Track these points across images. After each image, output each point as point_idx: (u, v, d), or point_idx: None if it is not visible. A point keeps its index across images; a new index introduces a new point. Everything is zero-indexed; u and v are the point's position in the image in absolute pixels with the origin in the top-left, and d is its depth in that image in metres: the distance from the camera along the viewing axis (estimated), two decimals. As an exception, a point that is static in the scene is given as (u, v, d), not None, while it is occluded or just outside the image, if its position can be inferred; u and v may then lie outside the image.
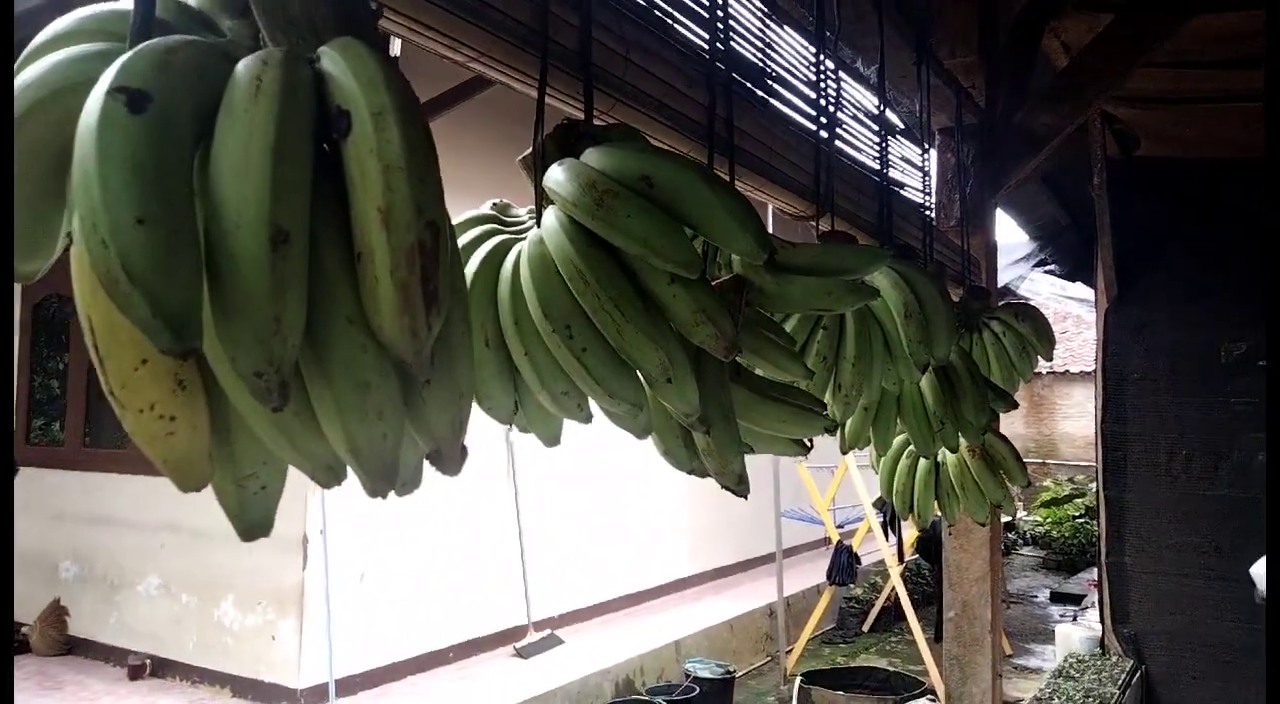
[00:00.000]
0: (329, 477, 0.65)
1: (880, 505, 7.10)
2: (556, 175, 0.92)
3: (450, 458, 0.68)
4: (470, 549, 5.87)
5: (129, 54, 0.53)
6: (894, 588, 7.21)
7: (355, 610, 5.17)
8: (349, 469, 0.66)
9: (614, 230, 0.88)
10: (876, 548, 7.54)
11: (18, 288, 6.35)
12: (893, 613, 8.24)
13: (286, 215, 0.53)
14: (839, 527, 7.74)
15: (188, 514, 5.36)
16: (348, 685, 5.07)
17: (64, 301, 6.33)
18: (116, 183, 0.48)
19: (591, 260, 0.89)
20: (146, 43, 0.54)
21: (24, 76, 0.61)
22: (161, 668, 5.43)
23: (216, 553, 5.24)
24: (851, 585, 7.87)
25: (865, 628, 8.34)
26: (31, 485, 6.25)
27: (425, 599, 5.60)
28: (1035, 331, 2.48)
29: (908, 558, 7.83)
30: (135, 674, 5.36)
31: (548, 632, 6.20)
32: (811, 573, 8.56)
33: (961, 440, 2.09)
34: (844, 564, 7.25)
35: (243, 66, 0.56)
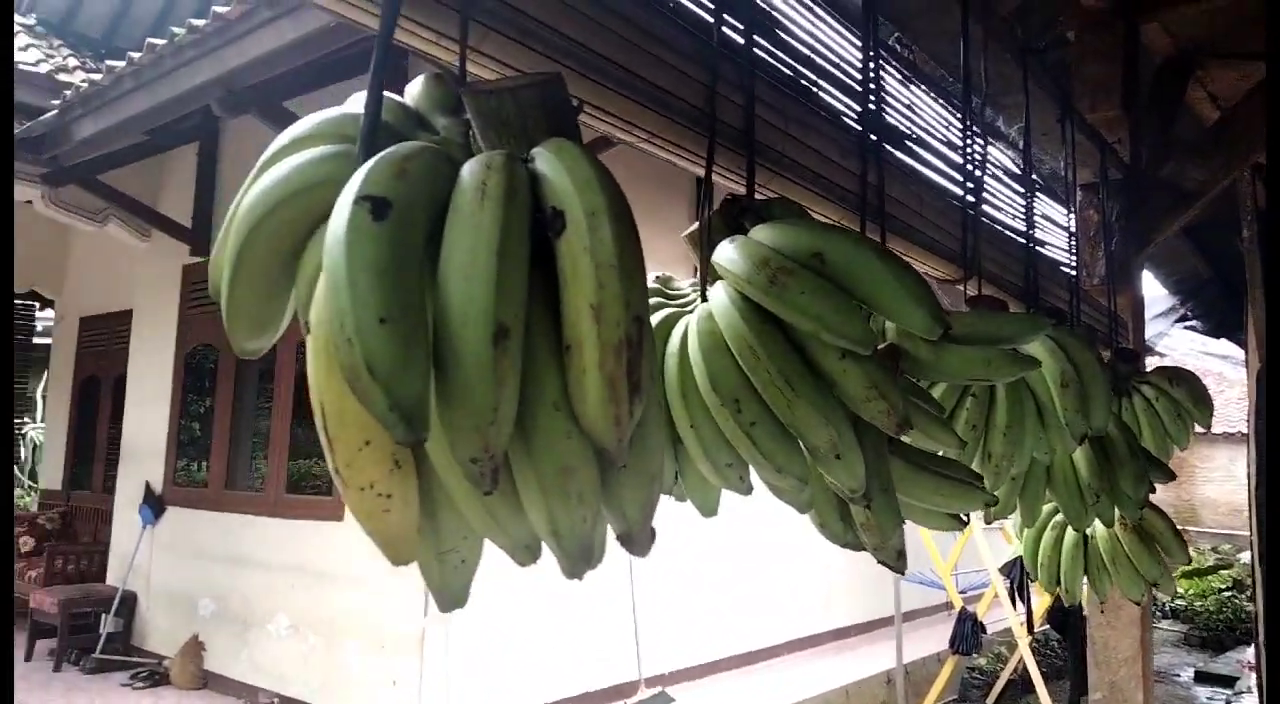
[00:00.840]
0: (526, 555, 0.67)
1: (1008, 571, 6.75)
2: (728, 253, 0.93)
3: (640, 539, 0.69)
4: (585, 603, 5.88)
5: (371, 163, 0.57)
6: (1021, 660, 6.81)
7: (473, 659, 5.23)
8: (543, 548, 0.68)
9: (787, 307, 0.88)
10: (1003, 616, 7.16)
11: (171, 338, 6.82)
12: (1019, 686, 7.77)
13: (508, 312, 0.56)
14: (961, 592, 7.39)
15: (316, 556, 5.57)
16: (463, 734, 5.11)
17: (210, 351, 6.75)
18: (363, 285, 0.52)
19: (763, 336, 0.90)
20: (385, 152, 0.58)
21: (266, 177, 0.66)
22: (287, 707, 5.60)
23: (342, 595, 5.41)
24: (976, 655, 7.48)
25: (990, 701, 7.89)
26: (176, 524, 6.62)
27: (541, 651, 5.62)
28: (1191, 396, 2.35)
29: (1037, 629, 7.40)
30: (264, 712, 5.55)
31: (659, 689, 6.11)
32: (932, 640, 8.18)
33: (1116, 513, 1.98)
34: (968, 632, 6.89)
35: (468, 171, 0.59)
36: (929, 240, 1.60)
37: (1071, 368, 1.59)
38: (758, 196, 1.13)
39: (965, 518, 1.32)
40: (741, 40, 1.12)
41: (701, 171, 1.04)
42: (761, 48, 1.27)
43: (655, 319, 1.02)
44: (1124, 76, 2.84)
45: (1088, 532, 2.19)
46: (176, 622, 6.35)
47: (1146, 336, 6.68)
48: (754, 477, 1.04)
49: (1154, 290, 6.30)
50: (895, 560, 1.19)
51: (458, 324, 0.55)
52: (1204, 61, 3.35)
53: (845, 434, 0.94)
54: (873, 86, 1.32)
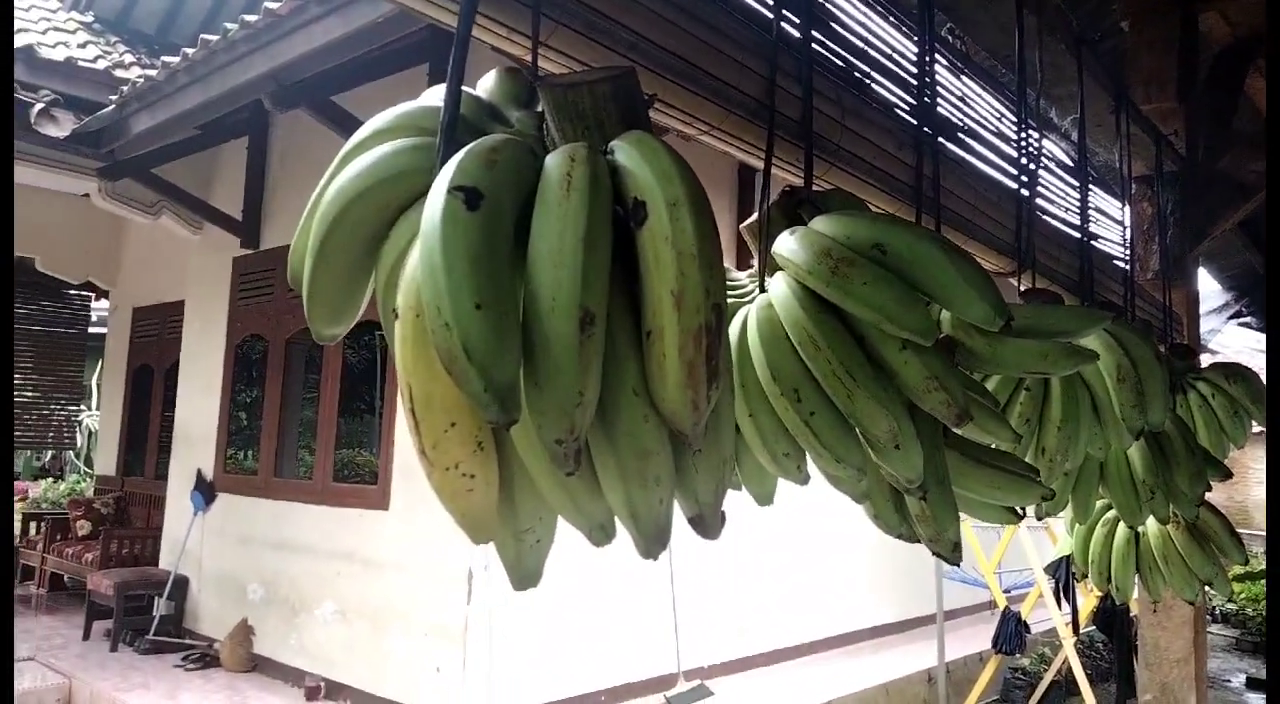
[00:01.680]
0: (601, 536, 0.69)
1: (1053, 571, 6.66)
2: (789, 244, 0.94)
3: (711, 522, 0.71)
4: (626, 595, 5.92)
5: (461, 154, 0.59)
6: (1066, 661, 6.72)
7: (516, 647, 5.29)
8: (618, 528, 0.70)
9: (849, 298, 0.89)
10: (1047, 617, 7.07)
11: (222, 329, 6.98)
12: (1063, 688, 7.67)
13: (593, 299, 0.58)
14: (1005, 591, 7.31)
15: (362, 544, 5.67)
16: (505, 721, 5.18)
17: (259, 341, 6.89)
18: (460, 272, 0.54)
19: (824, 327, 0.91)
20: (474, 144, 0.61)
21: (350, 169, 0.69)
22: (334, 691, 5.71)
23: (387, 583, 5.50)
24: (1019, 655, 7.39)
25: (1032, 702, 7.79)
26: (226, 510, 6.77)
27: (581, 642, 5.67)
28: (1249, 393, 2.31)
29: (1082, 630, 7.29)
30: (311, 695, 5.66)
31: (698, 682, 6.12)
32: (974, 639, 8.10)
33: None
34: (1011, 632, 6.81)
35: (553, 162, 0.61)
36: (983, 233, 1.60)
37: (1129, 362, 1.58)
38: (815, 188, 1.14)
39: (1021, 511, 1.32)
40: (799, 34, 1.12)
41: (758, 162, 1.05)
42: (818, 41, 1.28)
43: (716, 309, 1.04)
44: (1180, 66, 2.78)
45: (1140, 529, 2.17)
46: (226, 605, 6.50)
47: (1201, 333, 6.56)
48: (810, 466, 1.05)
49: (1208, 286, 6.17)
50: (950, 552, 1.19)
51: (546, 310, 0.58)
52: (1263, 50, 3.27)
53: (904, 425, 0.95)
54: (928, 79, 1.32)
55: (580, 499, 0.66)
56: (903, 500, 1.16)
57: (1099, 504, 2.11)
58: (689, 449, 0.67)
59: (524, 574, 0.73)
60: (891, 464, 0.97)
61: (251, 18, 4.51)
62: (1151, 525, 2.15)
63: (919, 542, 1.22)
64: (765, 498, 1.11)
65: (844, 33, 1.59)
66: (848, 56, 1.38)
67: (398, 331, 0.64)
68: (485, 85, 0.78)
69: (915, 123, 1.37)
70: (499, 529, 0.71)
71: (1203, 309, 6.23)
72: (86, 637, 6.66)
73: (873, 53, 1.47)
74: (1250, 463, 14.24)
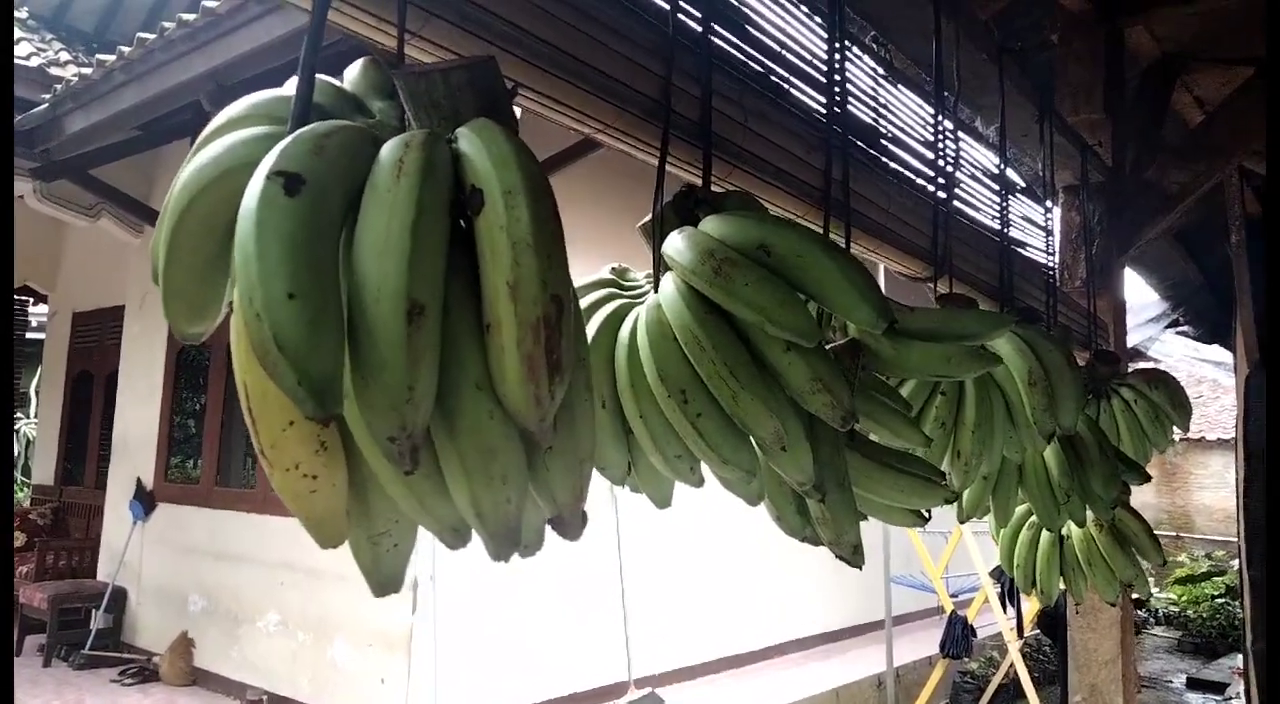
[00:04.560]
0: (455, 538, 0.67)
1: (998, 575, 6.75)
2: (676, 243, 0.93)
3: (571, 523, 0.69)
4: (575, 603, 5.88)
5: (287, 140, 0.57)
6: (1013, 664, 6.81)
7: (461, 658, 5.23)
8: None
9: (731, 298, 0.88)
10: (994, 621, 7.16)
11: (163, 335, 6.82)
12: (1011, 691, 7.77)
13: (422, 289, 0.56)
14: (953, 596, 7.39)
15: (304, 554, 5.56)
16: (450, 733, 5.11)
17: (203, 348, 6.74)
18: (272, 259, 0.52)
19: (708, 327, 0.90)
20: (303, 128, 0.59)
21: (198, 158, 0.66)
22: (276, 704, 5.60)
23: (330, 593, 5.41)
24: (966, 659, 7.47)
25: (981, 705, 7.88)
26: (167, 520, 6.61)
27: (530, 651, 5.62)
28: (1170, 400, 2.35)
29: (1028, 633, 7.40)
30: (251, 709, 5.54)
31: (648, 690, 6.10)
32: (924, 643, 8.18)
33: (1090, 514, 1.98)
34: (958, 636, 6.89)
35: (387, 148, 0.60)
36: (899, 239, 1.61)
37: (1039, 366, 1.59)
38: (717, 190, 1.13)
39: (927, 514, 1.32)
40: (700, 29, 1.12)
41: (656, 162, 1.04)
42: (726, 41, 1.27)
43: (607, 310, 1.02)
44: (1107, 79, 2.84)
45: (1064, 532, 2.19)
46: (166, 618, 6.34)
47: (1138, 342, 6.69)
48: (706, 469, 1.04)
49: (1146, 295, 6.31)
50: (852, 555, 1.19)
51: (371, 301, 0.56)
52: (1190, 65, 3.36)
53: (792, 426, 0.94)
54: (837, 77, 1.32)
55: (427, 500, 0.64)
56: (805, 504, 1.16)
57: (1023, 508, 2.13)
58: (539, 447, 0.65)
59: (382, 580, 0.71)
60: (781, 466, 0.96)
61: (190, 16, 4.43)
62: (1075, 529, 2.17)
63: (823, 545, 1.22)
64: (663, 501, 1.10)
65: (756, 33, 1.59)
66: (758, 56, 1.38)
67: (233, 325, 0.61)
68: (350, 75, 0.76)
69: (825, 126, 1.37)
70: (352, 533, 0.69)
71: (1142, 318, 6.38)
72: (18, 653, 6.46)
73: (789, 56, 1.47)
74: (1192, 469, 14.60)
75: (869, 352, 1.28)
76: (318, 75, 0.71)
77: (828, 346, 1.24)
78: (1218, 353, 7.42)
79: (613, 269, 1.10)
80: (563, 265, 0.59)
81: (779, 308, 0.87)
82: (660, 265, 1.01)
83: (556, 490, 0.68)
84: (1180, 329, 6.76)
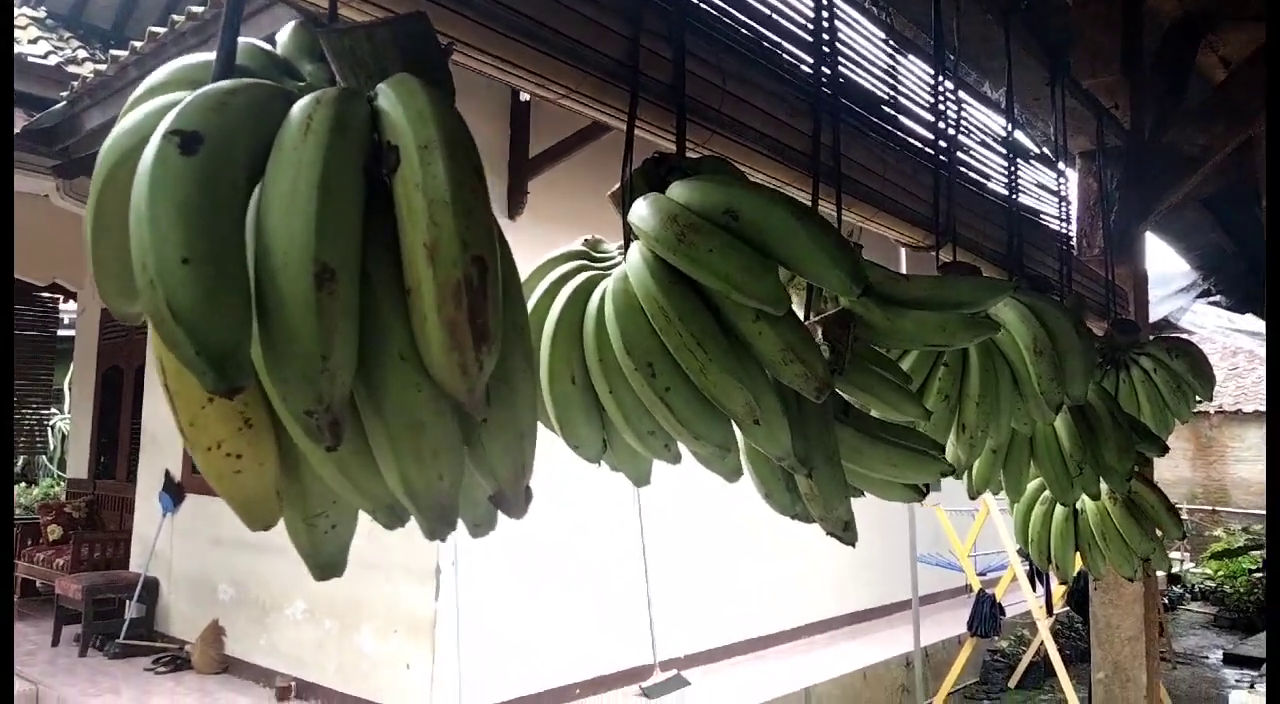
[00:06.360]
0: (390, 518, 0.65)
1: (1026, 553, 6.66)
2: (640, 210, 0.89)
3: (513, 501, 0.66)
4: (599, 585, 5.88)
5: (189, 98, 0.54)
6: (1043, 642, 6.73)
7: (486, 643, 5.25)
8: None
9: (695, 266, 0.85)
10: (1023, 598, 7.07)
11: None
12: (1042, 669, 7.69)
13: (332, 252, 0.53)
14: (980, 574, 7.31)
15: (330, 542, 5.60)
16: (476, 717, 5.14)
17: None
18: (165, 223, 0.49)
19: (674, 297, 0.86)
20: (208, 86, 0.56)
21: (117, 128, 0.64)
22: (305, 690, 5.66)
23: (356, 581, 5.44)
24: (996, 637, 7.39)
25: (1012, 684, 7.81)
26: (195, 511, 6.69)
27: (554, 635, 5.63)
28: (1191, 368, 2.28)
29: (1057, 610, 7.31)
30: (282, 695, 5.60)
31: (674, 672, 6.10)
32: (952, 622, 8.10)
33: (1104, 486, 1.92)
34: (986, 614, 6.82)
35: (297, 106, 0.56)
36: (896, 206, 1.55)
37: (1045, 334, 1.54)
38: (693, 155, 1.09)
39: (924, 489, 1.28)
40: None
41: (625, 126, 1.00)
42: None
43: (577, 282, 0.99)
44: (1125, 41, 2.75)
45: (1078, 506, 2.14)
46: (197, 607, 6.43)
47: (1168, 312, 6.54)
48: (682, 446, 1.01)
49: (1175, 265, 6.16)
50: (842, 531, 1.15)
51: (279, 265, 0.53)
52: (1215, 24, 3.24)
53: (766, 399, 0.90)
54: (825, 36, 1.27)
55: (357, 478, 0.62)
56: (794, 480, 1.12)
57: (1036, 482, 2.08)
58: (473, 420, 0.62)
59: (322, 563, 0.68)
60: (756, 440, 0.93)
61: (199, 9, 4.42)
62: (1089, 502, 2.12)
63: (814, 522, 1.19)
64: (640, 479, 1.06)
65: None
66: (750, 23, 1.33)
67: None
68: (280, 38, 0.73)
69: (812, 88, 1.32)
70: (288, 515, 0.66)
71: (1170, 288, 6.23)
72: (55, 643, 6.58)
73: (778, 18, 1.42)
74: (1228, 442, 14.31)
75: (861, 322, 1.24)
76: (246, 39, 0.68)
77: (820, 317, 1.20)
78: (1252, 323, 7.25)
79: (585, 240, 1.07)
80: (485, 224, 0.56)
81: (744, 274, 0.83)
82: (630, 235, 0.97)
83: (496, 466, 0.65)
84: (1212, 299, 6.59)
